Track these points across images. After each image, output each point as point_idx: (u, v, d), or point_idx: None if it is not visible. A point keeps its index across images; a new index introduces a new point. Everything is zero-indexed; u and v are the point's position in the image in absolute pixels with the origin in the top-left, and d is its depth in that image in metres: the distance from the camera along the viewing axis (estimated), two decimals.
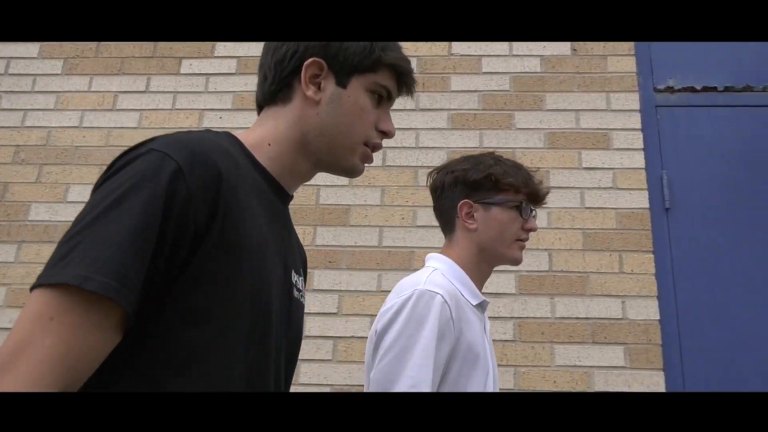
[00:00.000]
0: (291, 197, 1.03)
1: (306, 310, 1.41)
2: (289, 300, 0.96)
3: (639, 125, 2.69)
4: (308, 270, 1.52)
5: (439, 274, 1.37)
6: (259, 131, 0.99)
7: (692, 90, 2.78)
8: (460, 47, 2.83)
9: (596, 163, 2.62)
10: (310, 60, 0.97)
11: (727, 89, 2.75)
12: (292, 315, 0.97)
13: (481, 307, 1.42)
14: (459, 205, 1.46)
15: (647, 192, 2.54)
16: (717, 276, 2.45)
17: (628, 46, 2.80)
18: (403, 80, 1.04)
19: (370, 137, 1.00)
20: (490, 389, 1.31)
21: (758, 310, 2.39)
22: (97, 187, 0.79)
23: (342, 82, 0.98)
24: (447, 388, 1.26)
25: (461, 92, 2.76)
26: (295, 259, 1.03)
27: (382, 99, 1.02)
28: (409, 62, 1.04)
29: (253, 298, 0.83)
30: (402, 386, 1.19)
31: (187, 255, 0.76)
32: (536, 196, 1.48)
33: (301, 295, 1.02)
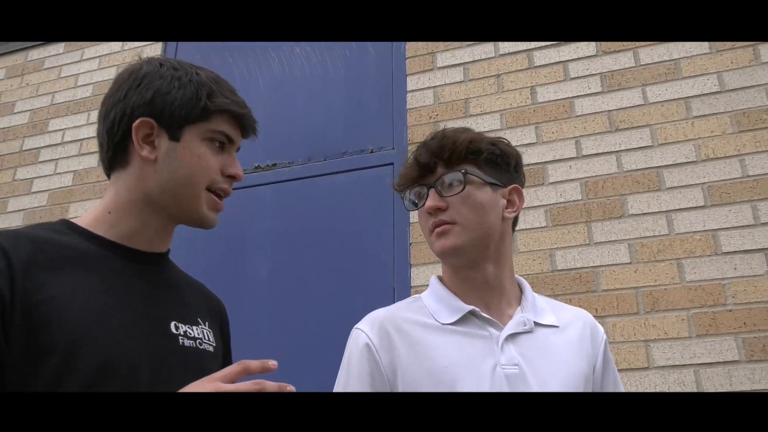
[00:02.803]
0: (161, 254, 1.03)
1: None
2: (170, 349, 0.95)
3: None
4: None
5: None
6: (101, 203, 1.00)
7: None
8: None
9: None
10: (138, 121, 0.97)
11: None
12: (175, 363, 0.94)
13: (482, 322, 1.10)
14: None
15: None
16: None
17: None
18: (240, 123, 1.03)
19: (214, 183, 0.99)
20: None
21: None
22: None
23: (174, 136, 0.97)
24: None
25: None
26: (185, 311, 1.02)
27: (224, 144, 1.01)
28: (241, 104, 1.03)
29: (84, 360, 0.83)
30: None
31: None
32: (411, 174, 1.17)
33: (199, 342, 1.01)
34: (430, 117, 2.56)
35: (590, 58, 2.42)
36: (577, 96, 2.38)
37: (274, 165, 2.76)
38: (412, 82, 2.66)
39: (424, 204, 1.11)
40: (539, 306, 1.15)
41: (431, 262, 2.31)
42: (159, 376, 0.90)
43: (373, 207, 2.50)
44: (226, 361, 1.11)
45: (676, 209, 2.10)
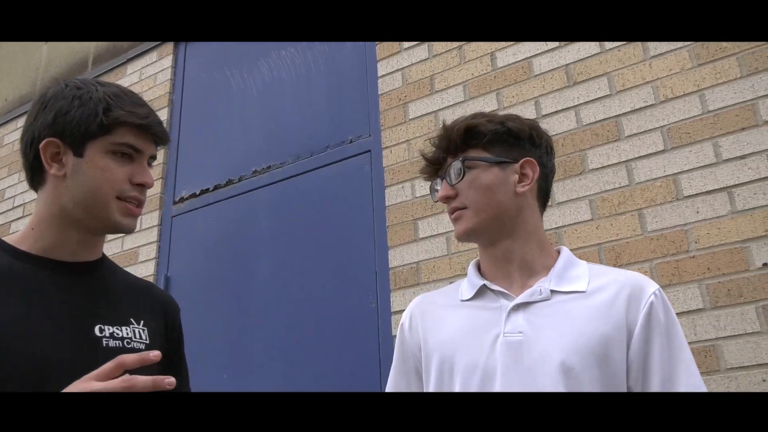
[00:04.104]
0: (88, 262, 1.10)
1: None
2: (91, 351, 1.00)
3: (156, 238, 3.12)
4: None
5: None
6: (28, 222, 1.08)
7: (193, 195, 3.13)
8: None
9: None
10: (44, 142, 1.03)
11: (216, 187, 3.07)
12: (95, 364, 0.95)
13: (495, 295, 1.15)
14: None
15: None
16: None
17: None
18: (143, 132, 1.07)
19: (122, 192, 1.04)
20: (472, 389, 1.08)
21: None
22: None
23: (78, 152, 1.03)
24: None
25: None
26: (113, 313, 1.08)
27: (131, 155, 1.06)
28: (142, 114, 1.06)
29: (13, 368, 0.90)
30: None
31: None
32: (428, 167, 1.26)
33: (127, 341, 1.06)
34: (400, 99, 2.57)
35: None
36: (535, 55, 2.31)
37: (269, 167, 2.89)
38: (382, 67, 2.69)
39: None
40: (571, 274, 1.13)
41: (406, 242, 2.34)
42: (73, 379, 0.93)
43: (355, 195, 2.57)
44: (173, 358, 1.19)
45: (636, 158, 2.00)
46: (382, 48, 2.71)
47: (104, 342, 1.03)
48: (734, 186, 1.83)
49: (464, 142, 1.17)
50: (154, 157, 1.12)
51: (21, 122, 4.03)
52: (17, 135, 3.99)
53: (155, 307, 1.19)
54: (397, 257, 2.35)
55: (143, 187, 1.08)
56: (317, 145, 2.78)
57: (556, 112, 2.19)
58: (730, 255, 1.78)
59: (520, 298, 1.11)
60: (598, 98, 2.13)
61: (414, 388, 1.21)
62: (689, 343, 1.71)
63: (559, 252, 1.19)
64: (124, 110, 1.04)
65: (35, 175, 1.08)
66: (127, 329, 1.08)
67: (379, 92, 2.65)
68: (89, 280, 1.09)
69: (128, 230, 1.08)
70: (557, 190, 2.10)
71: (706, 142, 1.90)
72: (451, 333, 1.14)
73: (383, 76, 2.67)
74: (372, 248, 2.44)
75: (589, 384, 1.01)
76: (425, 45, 2.59)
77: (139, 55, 3.66)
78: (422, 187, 2.36)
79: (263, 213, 2.82)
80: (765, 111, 1.84)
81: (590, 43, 2.20)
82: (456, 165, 1.16)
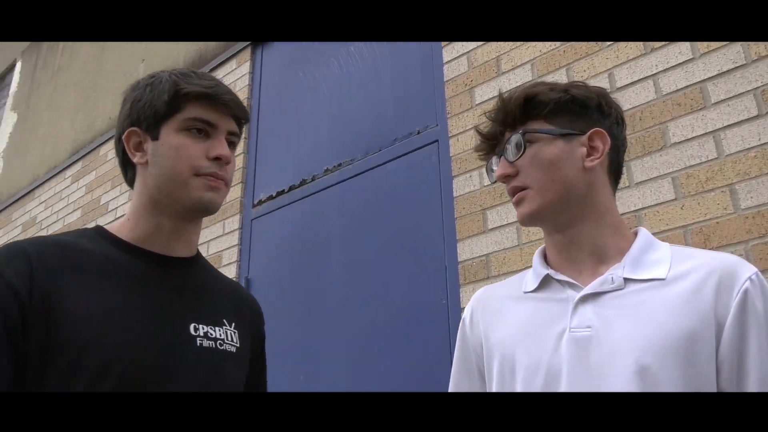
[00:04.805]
0: (184, 258, 1.07)
1: None
2: (184, 350, 0.97)
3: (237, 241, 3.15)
4: None
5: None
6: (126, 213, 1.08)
7: (270, 197, 3.13)
8: None
9: None
10: (125, 133, 1.04)
11: (291, 188, 3.06)
12: (187, 363, 0.97)
13: (562, 286, 1.02)
14: None
15: None
16: None
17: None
18: (212, 103, 1.03)
19: (199, 169, 1.01)
20: (536, 388, 0.95)
21: None
22: None
23: (155, 136, 1.02)
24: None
25: None
26: (207, 312, 1.05)
27: (206, 131, 1.03)
28: (209, 84, 1.03)
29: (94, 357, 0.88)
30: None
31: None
32: (483, 144, 1.11)
33: (220, 342, 1.03)
34: (466, 85, 2.44)
35: None
36: None
37: (340, 165, 2.85)
38: (447, 53, 2.57)
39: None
40: (651, 259, 0.98)
41: (475, 234, 2.21)
42: (168, 376, 0.94)
43: (424, 187, 2.46)
44: (255, 363, 1.16)
45: (725, 126, 1.76)
46: None
47: (198, 341, 1.00)
48: None
49: (524, 113, 1.02)
50: (235, 134, 1.08)
51: None
52: None
53: (244, 309, 1.17)
54: (466, 250, 2.22)
55: (220, 161, 1.03)
56: (385, 138, 2.70)
57: (632, 83, 1.98)
58: None
59: (589, 288, 0.97)
60: (680, 64, 1.90)
61: (477, 389, 1.10)
62: None
63: (636, 234, 1.03)
64: (190, 84, 1.03)
65: (128, 170, 1.08)
66: (219, 330, 1.05)
67: (445, 79, 2.53)
68: (185, 276, 1.07)
69: (212, 207, 1.03)
70: (635, 168, 1.90)
71: None
72: (513, 328, 1.02)
73: (449, 62, 2.55)
74: (441, 242, 2.32)
75: (667, 386, 0.86)
76: None
77: (220, 64, 3.75)
78: None
79: (335, 211, 2.78)
80: None
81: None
82: (515, 139, 1.02)
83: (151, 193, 1.03)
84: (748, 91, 1.74)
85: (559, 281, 1.01)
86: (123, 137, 1.05)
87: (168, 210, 1.03)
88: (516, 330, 1.01)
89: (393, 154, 2.63)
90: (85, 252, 0.97)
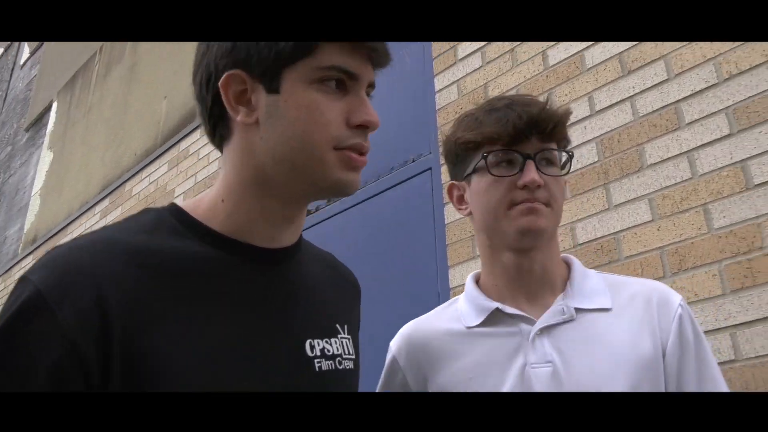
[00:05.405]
0: (284, 249, 0.81)
1: None
2: (303, 382, 0.75)
3: None
4: None
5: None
6: (214, 188, 0.79)
7: None
8: None
9: None
10: (224, 77, 0.74)
11: None
12: (317, 389, 0.76)
13: (512, 319, 0.98)
14: (446, 190, 1.11)
15: None
16: None
17: None
18: (360, 47, 0.75)
19: (340, 140, 0.74)
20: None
21: None
22: None
23: (273, 87, 0.73)
24: None
25: None
26: (322, 319, 0.83)
27: (343, 84, 0.75)
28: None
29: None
30: None
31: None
32: (501, 136, 0.97)
33: (339, 360, 0.81)
34: (455, 112, 2.49)
35: None
36: (588, 47, 2.13)
37: None
38: (438, 82, 2.62)
39: (517, 173, 0.97)
40: (590, 287, 0.99)
41: (465, 260, 2.24)
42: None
43: (417, 215, 2.51)
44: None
45: (698, 146, 1.76)
46: (439, 62, 2.65)
47: (317, 364, 0.77)
48: None
49: (557, 131, 0.99)
50: (372, 86, 0.80)
51: (147, 173, 4.43)
52: (143, 185, 4.39)
53: (347, 291, 0.96)
54: (457, 276, 2.24)
55: (366, 129, 0.76)
56: (383, 167, 2.76)
57: (611, 106, 2.00)
58: None
59: (542, 321, 0.95)
60: (655, 85, 1.91)
61: None
62: (765, 353, 1.47)
63: (567, 262, 1.05)
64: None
65: (218, 127, 0.78)
66: (336, 342, 0.83)
67: (437, 107, 2.58)
68: (293, 274, 0.82)
69: (352, 189, 0.77)
70: (614, 190, 1.91)
71: None
72: (467, 366, 0.97)
73: (440, 90, 2.60)
74: (434, 268, 2.35)
75: None
76: (479, 53, 2.49)
77: None
78: None
79: (336, 239, 2.84)
80: None
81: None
82: (561, 155, 1.01)
83: (259, 166, 0.75)
84: (720, 110, 1.74)
85: (509, 315, 0.98)
86: (220, 83, 0.74)
87: (285, 189, 0.76)
88: (472, 367, 0.97)
89: (390, 182, 2.68)
90: (169, 258, 0.70)
